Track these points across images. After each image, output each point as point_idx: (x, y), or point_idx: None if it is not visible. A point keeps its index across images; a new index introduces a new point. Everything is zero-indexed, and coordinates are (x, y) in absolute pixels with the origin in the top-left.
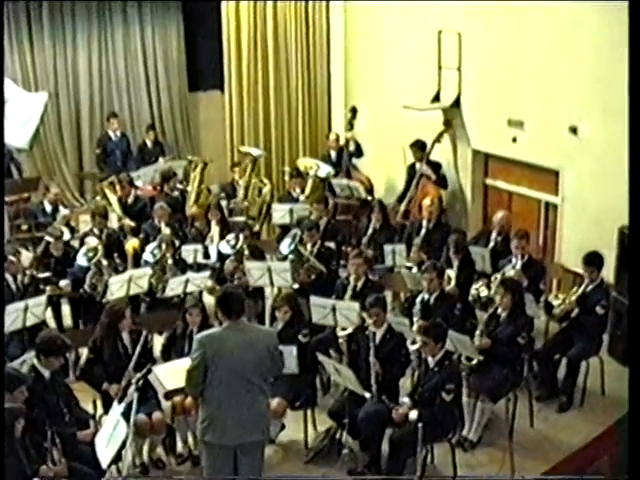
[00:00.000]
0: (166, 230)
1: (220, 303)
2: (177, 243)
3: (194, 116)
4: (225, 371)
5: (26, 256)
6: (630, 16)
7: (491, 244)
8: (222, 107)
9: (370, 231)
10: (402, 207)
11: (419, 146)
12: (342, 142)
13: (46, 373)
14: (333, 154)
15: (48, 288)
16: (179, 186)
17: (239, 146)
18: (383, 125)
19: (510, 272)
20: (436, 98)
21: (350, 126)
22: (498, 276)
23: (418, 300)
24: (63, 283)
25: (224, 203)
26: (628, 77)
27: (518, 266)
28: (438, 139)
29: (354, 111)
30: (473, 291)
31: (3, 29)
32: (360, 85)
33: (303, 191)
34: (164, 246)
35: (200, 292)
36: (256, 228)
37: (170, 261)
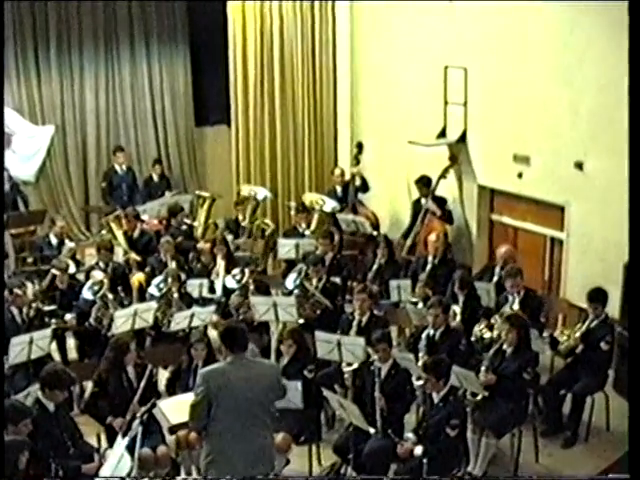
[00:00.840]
0: (172, 264)
1: (223, 337)
2: (183, 277)
3: (200, 150)
4: (229, 406)
5: (31, 289)
6: (630, 16)
7: (495, 278)
8: (228, 141)
9: (376, 266)
10: (408, 242)
11: (424, 182)
12: (348, 177)
13: (50, 406)
14: (339, 189)
15: (53, 321)
16: (186, 221)
17: (243, 184)
18: (389, 160)
19: (509, 311)
20: (442, 133)
21: (356, 161)
22: (498, 317)
23: (424, 336)
24: (68, 317)
25: (230, 238)
26: (628, 81)
27: (516, 304)
28: (444, 175)
29: (360, 146)
30: (476, 332)
31: (3, 29)
32: (366, 120)
33: (309, 226)
34: (170, 280)
35: (205, 327)
36: (261, 267)
37: (176, 295)
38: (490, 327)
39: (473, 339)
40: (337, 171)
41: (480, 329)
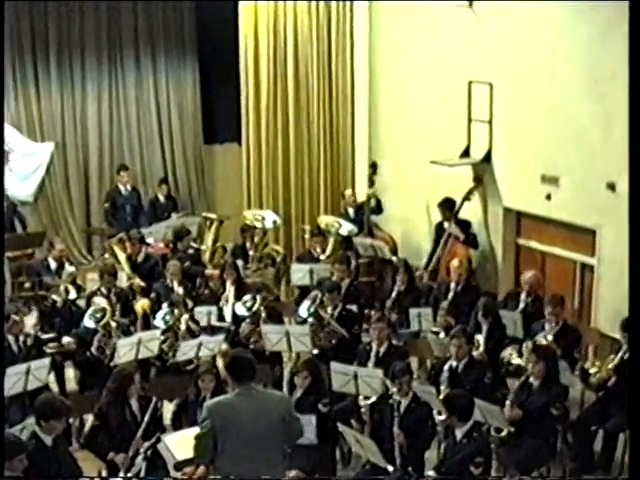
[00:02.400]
0: (179, 290)
1: (229, 368)
2: (190, 304)
3: (209, 170)
4: (236, 440)
5: (29, 316)
6: (630, 16)
7: (521, 306)
8: (239, 160)
9: (394, 293)
10: (429, 268)
11: (448, 205)
12: (363, 198)
13: (48, 440)
14: (351, 211)
15: (50, 346)
16: (193, 244)
17: (252, 208)
18: (408, 181)
19: (542, 340)
20: (465, 153)
21: (371, 182)
22: (529, 344)
23: (446, 367)
24: (66, 340)
25: (240, 263)
26: (629, 79)
27: (551, 335)
28: (468, 197)
29: (374, 167)
30: (504, 356)
31: (3, 29)
32: (385, 138)
33: (324, 251)
34: (177, 311)
35: (214, 357)
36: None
37: (183, 327)
38: (519, 352)
39: (501, 362)
40: (348, 192)
41: (508, 353)
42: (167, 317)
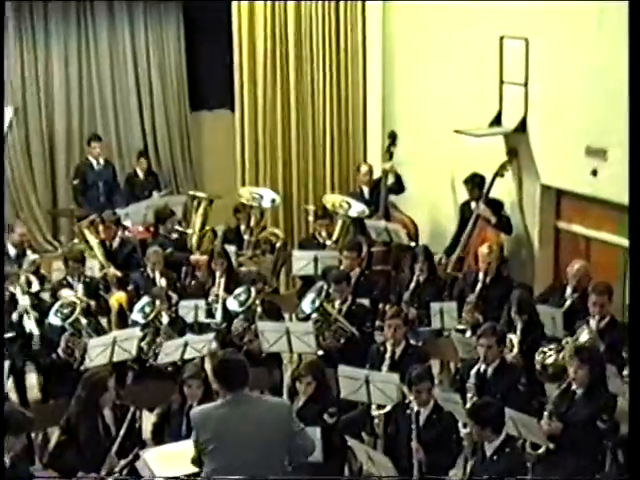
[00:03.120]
0: (161, 281)
1: (218, 372)
2: (174, 298)
3: (197, 141)
4: (227, 458)
5: None
6: (630, 16)
7: (566, 303)
8: (232, 130)
9: (413, 285)
10: (454, 255)
11: (476, 182)
12: (379, 174)
13: (5, 459)
14: (366, 190)
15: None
16: (178, 228)
17: (248, 185)
18: (430, 154)
19: (584, 336)
20: (496, 120)
21: (389, 155)
22: (570, 340)
23: (473, 372)
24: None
25: (232, 249)
26: (628, 78)
27: (594, 328)
28: (500, 172)
29: (393, 137)
30: (538, 357)
31: (3, 29)
32: (402, 104)
33: (331, 235)
34: (158, 302)
35: (202, 359)
36: (270, 285)
37: (165, 320)
38: (558, 351)
39: (536, 366)
40: (363, 168)
41: (544, 352)
42: (147, 309)
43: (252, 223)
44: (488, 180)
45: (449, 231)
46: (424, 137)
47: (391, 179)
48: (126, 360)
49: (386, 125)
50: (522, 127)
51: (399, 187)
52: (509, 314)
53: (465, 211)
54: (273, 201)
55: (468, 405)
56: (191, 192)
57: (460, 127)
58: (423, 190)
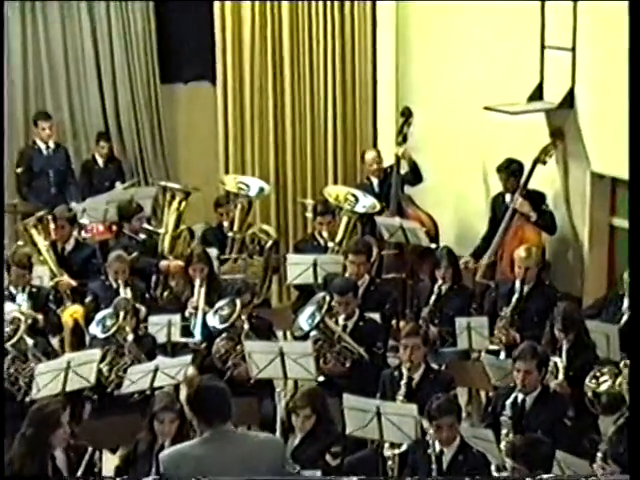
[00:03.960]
0: (126, 292)
1: (195, 403)
2: (142, 312)
3: (170, 120)
4: None
5: None
6: (630, 16)
7: (623, 318)
8: (213, 107)
9: (434, 296)
10: (484, 260)
11: (512, 170)
12: (391, 162)
13: None
14: (375, 181)
15: None
16: (146, 226)
17: (232, 174)
18: (452, 137)
19: None
20: (537, 94)
21: (402, 138)
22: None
23: (508, 403)
24: None
25: (213, 253)
26: (629, 78)
27: None
28: (541, 158)
29: (407, 115)
30: (589, 384)
31: (3, 29)
32: (418, 77)
33: (333, 235)
34: (122, 315)
35: (176, 387)
36: (260, 296)
37: (130, 338)
38: (615, 375)
39: (588, 395)
40: (370, 155)
41: (595, 376)
42: (108, 322)
43: (237, 219)
44: (527, 168)
45: (478, 230)
46: (446, 115)
47: (405, 167)
48: (82, 389)
49: (400, 102)
50: (569, 102)
51: (415, 177)
52: (552, 332)
53: (498, 206)
54: (262, 190)
55: (503, 444)
56: (163, 183)
57: (491, 103)
58: (445, 180)
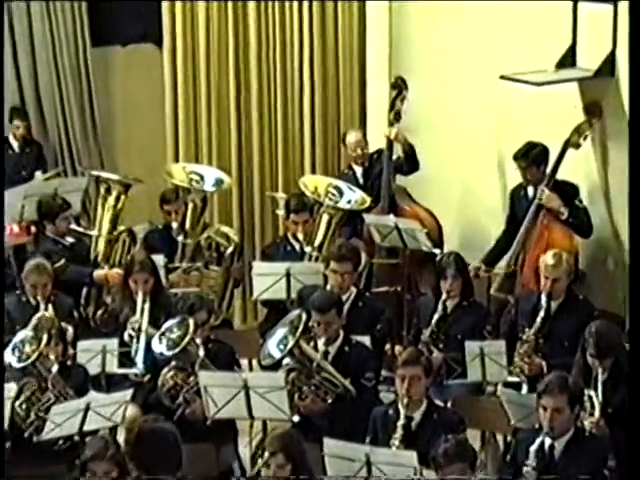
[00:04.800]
0: (48, 310)
1: (134, 451)
2: (69, 334)
3: (104, 93)
4: None
5: None
6: (630, 16)
7: None
8: (159, 76)
9: (438, 314)
10: (501, 269)
11: (533, 157)
12: (381, 145)
13: None
14: (359, 170)
15: None
16: (75, 227)
17: (173, 165)
18: (458, 114)
19: None
20: (568, 60)
21: (394, 116)
22: None
23: (532, 449)
24: None
25: (160, 260)
26: (629, 79)
27: None
28: (573, 141)
29: (400, 87)
30: None
31: (3, 29)
32: (416, 39)
33: (311, 238)
34: (44, 339)
35: (112, 430)
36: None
37: (55, 368)
38: None
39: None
40: (352, 137)
41: None
42: (26, 347)
43: (189, 219)
44: (555, 153)
45: (491, 232)
46: (450, 87)
47: (399, 152)
48: None
49: (392, 71)
50: (608, 69)
51: (410, 164)
52: (584, 358)
53: (518, 200)
54: (219, 183)
55: None
56: (95, 172)
57: (509, 71)
58: (449, 169)
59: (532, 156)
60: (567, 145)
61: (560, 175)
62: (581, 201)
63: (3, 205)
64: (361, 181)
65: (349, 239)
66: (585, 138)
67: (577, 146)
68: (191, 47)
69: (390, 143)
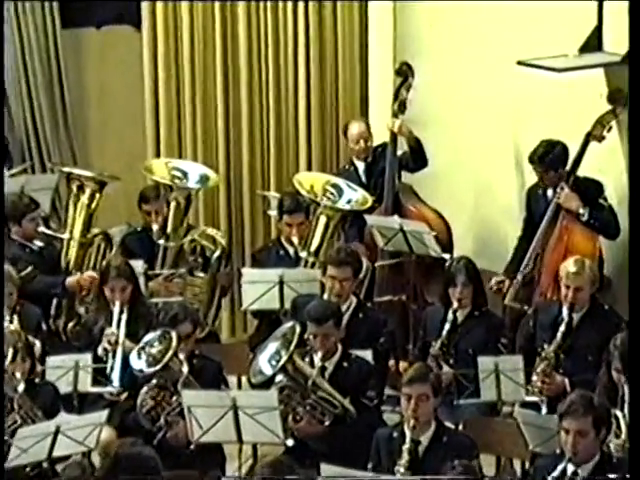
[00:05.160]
0: (13, 322)
1: (112, 477)
2: (37, 349)
3: (76, 80)
4: None
5: None
6: (630, 16)
7: None
8: (137, 62)
9: (448, 326)
10: (518, 276)
11: (552, 159)
12: (384, 139)
13: None
14: (361, 166)
15: None
16: (44, 230)
17: (153, 160)
18: (468, 104)
19: None
20: (592, 44)
21: (399, 106)
22: None
23: (553, 476)
24: None
25: (139, 267)
26: (629, 80)
27: None
28: (596, 134)
29: (406, 73)
30: None
31: (3, 29)
32: (422, 23)
33: (307, 242)
34: (9, 355)
35: (86, 455)
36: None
37: (21, 387)
38: None
39: None
40: (355, 128)
41: None
42: None
43: (171, 221)
44: (577, 148)
45: (507, 235)
46: (461, 75)
47: (404, 146)
48: None
49: (397, 56)
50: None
51: (417, 160)
52: (610, 374)
53: (535, 200)
54: (205, 180)
55: None
56: (67, 169)
57: (527, 56)
58: (460, 165)
59: (549, 160)
60: (589, 138)
61: (584, 172)
62: (606, 199)
63: (3, 204)
64: (363, 178)
65: (348, 243)
66: (609, 130)
67: (600, 139)
68: (173, 29)
69: (394, 137)
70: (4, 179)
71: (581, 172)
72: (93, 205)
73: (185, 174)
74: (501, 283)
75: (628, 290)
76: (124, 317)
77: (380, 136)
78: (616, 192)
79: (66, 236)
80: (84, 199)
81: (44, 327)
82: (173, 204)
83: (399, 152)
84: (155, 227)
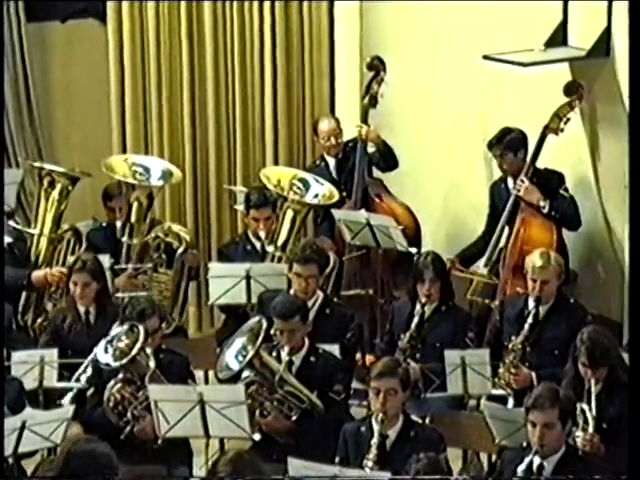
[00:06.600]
0: None
1: (69, 474)
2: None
3: (41, 74)
4: None
5: None
6: (630, 16)
7: None
8: (103, 56)
9: (415, 321)
10: (482, 267)
11: (507, 143)
12: (354, 134)
13: None
14: (332, 162)
15: None
16: (12, 224)
17: (114, 157)
18: (438, 99)
19: None
20: (557, 38)
21: (371, 100)
22: None
23: (520, 469)
24: None
25: (106, 262)
26: (629, 80)
27: None
28: (553, 126)
29: (377, 67)
30: None
31: (3, 29)
32: (391, 18)
33: (274, 237)
34: None
35: (52, 451)
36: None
37: None
38: None
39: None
40: (325, 124)
41: None
42: None
43: (134, 217)
44: (536, 139)
45: (471, 228)
46: (431, 69)
47: (374, 143)
48: None
49: (366, 50)
50: (603, 48)
51: (387, 162)
52: (575, 368)
53: (497, 194)
54: (167, 176)
55: None
56: (34, 163)
57: (493, 50)
58: (430, 160)
59: (506, 142)
60: (546, 131)
61: (546, 163)
62: (567, 190)
63: (3, 204)
64: (334, 174)
65: (316, 237)
66: (567, 122)
67: (557, 132)
68: (139, 22)
69: (360, 134)
70: (3, 174)
71: (543, 164)
72: (63, 201)
73: (147, 170)
74: (452, 263)
75: (628, 290)
76: (92, 312)
77: (347, 131)
78: (577, 185)
79: (36, 232)
80: (55, 195)
81: (12, 322)
82: (135, 203)
83: (370, 149)
84: (118, 224)
